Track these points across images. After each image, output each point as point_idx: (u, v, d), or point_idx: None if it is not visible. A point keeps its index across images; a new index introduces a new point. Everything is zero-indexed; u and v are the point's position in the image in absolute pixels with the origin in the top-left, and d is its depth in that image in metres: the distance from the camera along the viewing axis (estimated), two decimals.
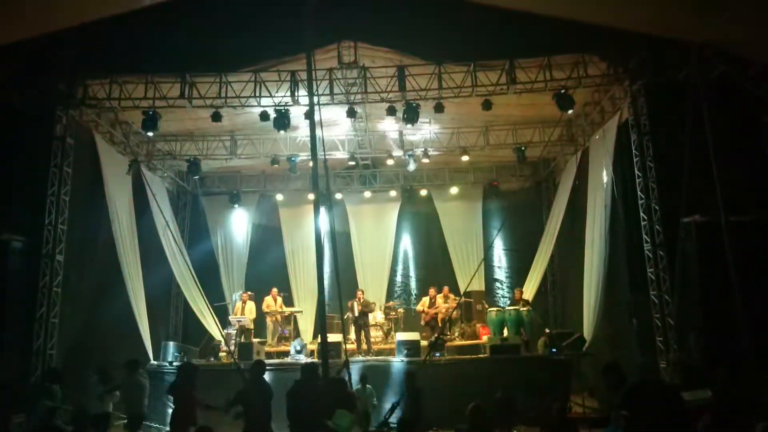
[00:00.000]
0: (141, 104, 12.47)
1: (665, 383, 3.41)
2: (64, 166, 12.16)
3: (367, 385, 10.23)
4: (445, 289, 15.17)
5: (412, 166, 15.55)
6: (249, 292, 15.28)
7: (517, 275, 16.93)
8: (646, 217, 11.94)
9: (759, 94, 9.77)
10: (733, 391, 6.84)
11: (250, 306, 14.71)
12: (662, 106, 11.64)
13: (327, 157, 9.24)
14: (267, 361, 12.86)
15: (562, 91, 12.00)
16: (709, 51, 10.06)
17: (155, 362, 13.07)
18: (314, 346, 13.52)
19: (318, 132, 6.86)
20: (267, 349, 14.02)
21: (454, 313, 14.69)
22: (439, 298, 14.91)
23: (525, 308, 14.09)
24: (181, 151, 15.46)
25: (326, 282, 11.24)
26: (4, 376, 9.88)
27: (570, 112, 12.43)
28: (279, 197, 17.88)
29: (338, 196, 17.59)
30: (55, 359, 11.48)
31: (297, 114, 12.94)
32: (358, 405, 7.77)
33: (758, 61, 9.79)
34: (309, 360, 12.39)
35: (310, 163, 13.76)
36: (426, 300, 14.94)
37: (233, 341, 13.76)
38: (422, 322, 14.78)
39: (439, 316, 14.52)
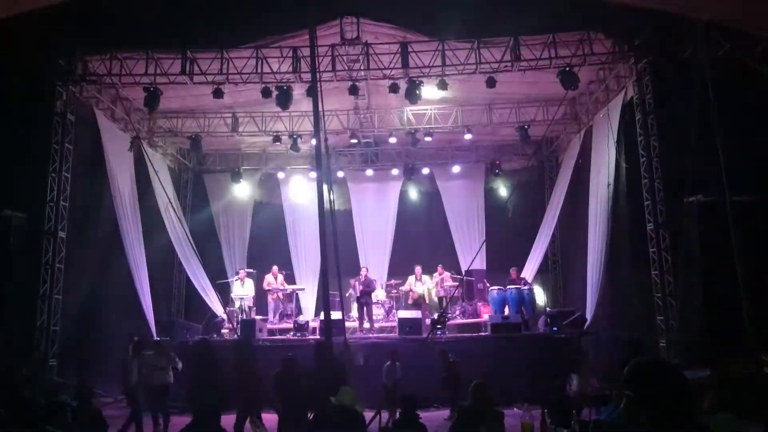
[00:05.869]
0: (142, 80, 12.38)
1: (669, 362, 3.44)
2: (65, 143, 12.12)
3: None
4: (439, 267, 15.16)
5: (414, 144, 15.51)
6: (247, 270, 15.33)
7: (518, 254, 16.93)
8: (649, 197, 11.91)
9: (765, 72, 9.65)
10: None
11: (249, 283, 14.76)
12: (667, 85, 11.54)
13: (328, 134, 9.23)
14: (269, 338, 13.05)
15: (567, 69, 11.88)
16: (715, 29, 9.94)
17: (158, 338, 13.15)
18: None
19: (320, 109, 6.79)
20: (269, 326, 14.10)
21: (456, 291, 14.74)
22: (425, 277, 14.92)
23: (526, 287, 14.14)
24: (182, 128, 15.40)
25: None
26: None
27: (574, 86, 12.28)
28: (280, 175, 17.84)
29: (340, 174, 17.55)
30: (59, 335, 11.56)
31: (299, 91, 12.85)
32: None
33: (765, 39, 9.67)
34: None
35: (313, 141, 13.78)
36: (412, 279, 14.93)
37: (236, 318, 13.85)
38: (409, 301, 14.79)
39: (425, 294, 14.58)
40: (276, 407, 7.58)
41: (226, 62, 12.34)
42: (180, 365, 9.69)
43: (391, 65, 12.35)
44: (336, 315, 12.21)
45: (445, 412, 10.23)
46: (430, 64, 12.28)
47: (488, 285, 15.20)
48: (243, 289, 14.59)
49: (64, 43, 11.80)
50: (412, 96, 12.50)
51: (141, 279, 13.23)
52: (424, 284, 14.87)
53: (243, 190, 17.76)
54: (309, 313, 16.12)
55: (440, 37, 12.16)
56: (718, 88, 9.65)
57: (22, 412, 6.18)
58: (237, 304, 14.38)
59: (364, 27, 12.23)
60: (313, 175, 16.01)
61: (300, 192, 17.64)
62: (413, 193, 18.49)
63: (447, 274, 15.07)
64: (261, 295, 15.09)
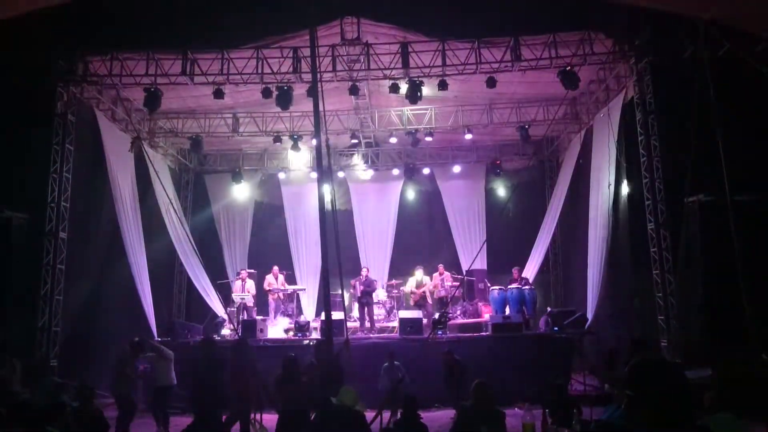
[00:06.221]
0: (142, 81, 12.38)
1: (670, 362, 3.44)
2: (65, 143, 12.13)
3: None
4: (440, 267, 15.15)
5: (414, 144, 15.53)
6: (248, 270, 15.33)
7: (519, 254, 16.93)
8: (649, 196, 11.90)
9: (765, 72, 9.65)
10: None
11: (250, 283, 14.77)
12: (668, 84, 11.55)
13: (329, 134, 9.24)
14: (271, 337, 13.06)
15: (567, 69, 11.88)
16: (715, 28, 9.93)
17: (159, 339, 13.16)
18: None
19: (320, 109, 6.81)
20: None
21: (456, 291, 14.73)
22: (426, 278, 14.91)
23: (527, 287, 14.13)
24: (182, 128, 15.40)
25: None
26: None
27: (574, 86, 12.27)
28: (281, 175, 17.84)
29: (341, 174, 17.55)
30: (60, 336, 11.57)
31: (299, 91, 12.85)
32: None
33: (765, 39, 9.67)
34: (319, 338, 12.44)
35: (313, 141, 13.78)
36: (413, 280, 14.93)
37: (236, 318, 13.84)
38: (411, 302, 14.77)
39: (427, 294, 14.58)
40: (276, 407, 7.59)
41: (227, 63, 12.33)
42: (170, 354, 9.70)
43: (392, 65, 12.35)
44: (338, 315, 12.23)
45: (448, 412, 10.22)
46: (431, 64, 12.28)
47: (489, 285, 15.18)
48: (244, 290, 14.59)
49: (64, 44, 11.81)
50: (412, 96, 12.50)
51: (142, 279, 13.23)
52: (425, 285, 14.85)
53: (243, 191, 17.75)
54: (310, 314, 16.13)
55: (440, 37, 12.16)
56: (718, 87, 9.64)
57: (19, 411, 6.18)
58: (237, 304, 14.39)
59: (364, 27, 12.22)
60: (314, 175, 16.01)
61: (301, 192, 17.64)
62: (414, 193, 18.50)
63: (448, 274, 15.05)
64: (262, 296, 15.09)
